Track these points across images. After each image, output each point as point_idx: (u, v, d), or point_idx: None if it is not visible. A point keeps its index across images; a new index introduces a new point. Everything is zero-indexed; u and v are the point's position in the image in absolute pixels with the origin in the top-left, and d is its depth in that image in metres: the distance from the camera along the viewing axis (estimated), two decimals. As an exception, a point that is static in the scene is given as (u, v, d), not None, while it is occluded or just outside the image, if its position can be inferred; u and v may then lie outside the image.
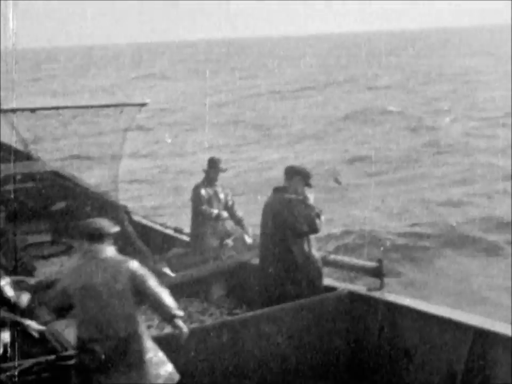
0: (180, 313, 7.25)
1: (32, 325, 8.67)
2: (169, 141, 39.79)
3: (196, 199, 11.91)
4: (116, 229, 7.32)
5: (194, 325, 9.85)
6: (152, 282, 7.07)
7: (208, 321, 10.27)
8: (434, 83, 64.82)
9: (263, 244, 9.69)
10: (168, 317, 7.19)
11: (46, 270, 12.69)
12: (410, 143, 34.61)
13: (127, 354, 6.98)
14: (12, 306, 8.79)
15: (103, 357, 6.86)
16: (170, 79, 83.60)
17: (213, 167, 12.04)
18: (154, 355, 7.18)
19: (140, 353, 7.04)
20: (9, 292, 8.73)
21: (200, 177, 12.16)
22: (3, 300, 8.68)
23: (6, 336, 8.71)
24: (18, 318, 8.52)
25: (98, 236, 7.06)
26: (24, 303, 9.01)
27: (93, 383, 7.01)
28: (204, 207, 11.84)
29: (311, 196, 9.61)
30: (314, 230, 9.52)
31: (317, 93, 61.33)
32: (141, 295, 6.99)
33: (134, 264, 7.14)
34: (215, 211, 11.88)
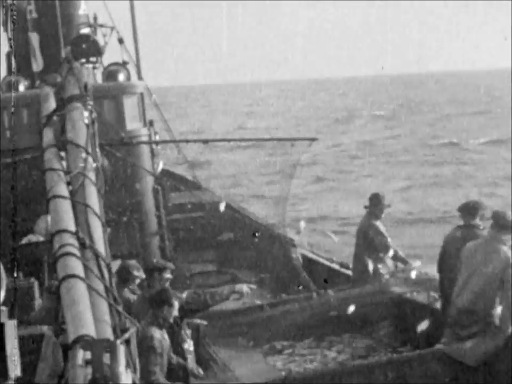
0: None
1: None
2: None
3: (380, 235, 11.76)
4: None
5: (358, 362, 9.67)
6: None
7: (373, 358, 10.03)
8: None
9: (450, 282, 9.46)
10: None
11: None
12: None
13: None
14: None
15: None
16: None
17: (379, 203, 11.89)
18: None
19: None
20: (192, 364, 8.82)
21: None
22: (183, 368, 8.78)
23: None
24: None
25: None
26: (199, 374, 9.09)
27: None
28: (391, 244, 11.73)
29: None
30: None
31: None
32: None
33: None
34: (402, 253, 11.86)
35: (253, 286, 10.13)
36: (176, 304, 8.07)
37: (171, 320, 8.06)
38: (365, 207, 11.95)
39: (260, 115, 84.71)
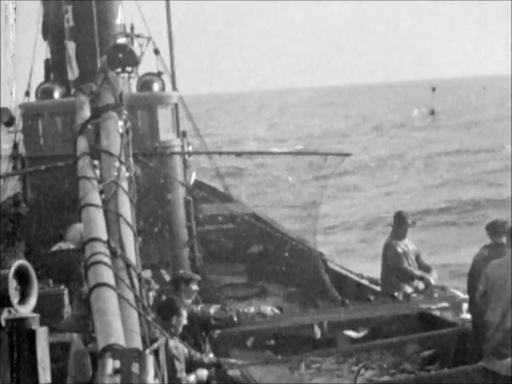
0: None
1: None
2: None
3: (395, 256, 11.74)
4: None
5: (385, 379, 9.60)
6: None
7: (401, 376, 9.96)
8: None
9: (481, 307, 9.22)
10: None
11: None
12: None
13: None
14: None
15: None
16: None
17: (402, 223, 11.86)
18: None
19: None
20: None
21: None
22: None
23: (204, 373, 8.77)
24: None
25: None
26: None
27: None
28: (405, 266, 11.69)
29: None
30: None
31: None
32: None
33: None
34: (417, 272, 11.79)
35: (277, 311, 10.20)
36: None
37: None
38: (389, 225, 11.96)
39: (287, 123, 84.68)
